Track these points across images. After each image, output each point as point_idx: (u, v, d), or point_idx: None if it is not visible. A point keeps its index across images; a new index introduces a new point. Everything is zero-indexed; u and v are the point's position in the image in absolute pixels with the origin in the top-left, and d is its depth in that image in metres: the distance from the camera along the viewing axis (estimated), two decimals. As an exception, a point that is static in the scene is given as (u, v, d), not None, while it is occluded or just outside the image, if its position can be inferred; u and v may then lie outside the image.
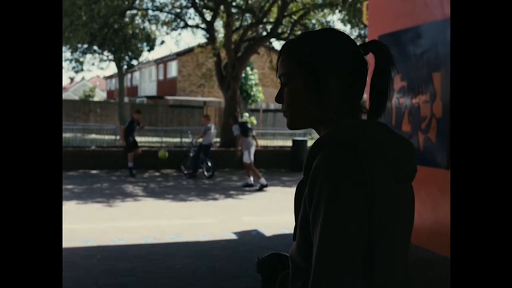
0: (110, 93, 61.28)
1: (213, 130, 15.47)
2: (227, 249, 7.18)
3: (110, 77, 60.11)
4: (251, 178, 13.38)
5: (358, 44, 1.53)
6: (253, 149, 13.18)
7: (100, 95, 70.77)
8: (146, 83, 48.84)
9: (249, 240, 7.78)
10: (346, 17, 20.36)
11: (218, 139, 19.77)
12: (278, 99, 1.56)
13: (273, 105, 35.95)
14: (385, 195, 1.37)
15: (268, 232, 8.24)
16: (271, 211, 10.46)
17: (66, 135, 21.70)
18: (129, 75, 53.02)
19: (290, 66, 1.52)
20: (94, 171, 15.87)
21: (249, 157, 13.00)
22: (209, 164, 15.03)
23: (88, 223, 8.34)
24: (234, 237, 7.93)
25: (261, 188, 12.89)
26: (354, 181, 1.34)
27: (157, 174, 16.00)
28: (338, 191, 1.33)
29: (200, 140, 15.47)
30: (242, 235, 8.05)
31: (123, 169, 15.69)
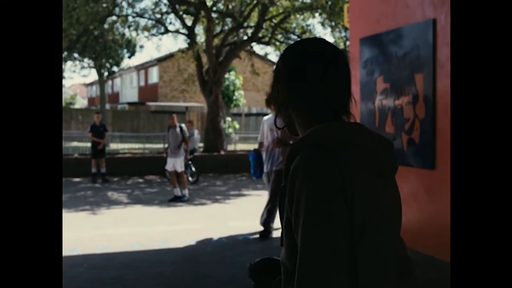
0: (91, 100, 60.79)
1: (196, 135, 15.48)
2: (215, 255, 7.16)
3: (91, 84, 59.61)
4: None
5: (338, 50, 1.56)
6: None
7: (81, 103, 70.21)
8: (128, 90, 48.58)
9: (236, 245, 7.77)
10: (327, 21, 20.41)
11: (201, 144, 19.74)
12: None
13: (255, 109, 35.97)
14: (365, 192, 1.39)
15: (254, 236, 8.23)
16: (256, 215, 10.42)
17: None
18: (110, 82, 52.69)
19: (273, 76, 1.62)
20: (77, 179, 15.75)
21: None
22: (193, 169, 15.01)
23: (74, 232, 8.27)
24: (221, 242, 7.92)
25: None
26: (331, 182, 1.36)
27: (140, 180, 15.93)
28: (316, 193, 1.35)
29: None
30: (229, 240, 8.04)
31: (107, 176, 15.61)
